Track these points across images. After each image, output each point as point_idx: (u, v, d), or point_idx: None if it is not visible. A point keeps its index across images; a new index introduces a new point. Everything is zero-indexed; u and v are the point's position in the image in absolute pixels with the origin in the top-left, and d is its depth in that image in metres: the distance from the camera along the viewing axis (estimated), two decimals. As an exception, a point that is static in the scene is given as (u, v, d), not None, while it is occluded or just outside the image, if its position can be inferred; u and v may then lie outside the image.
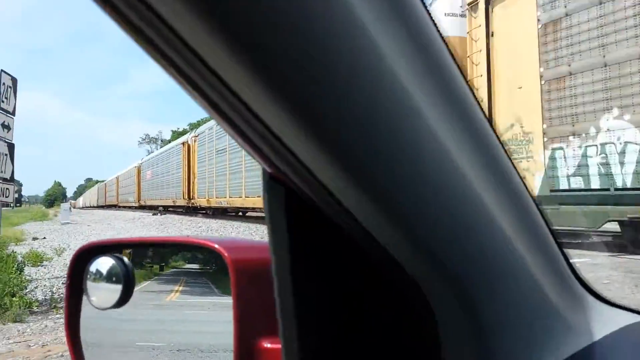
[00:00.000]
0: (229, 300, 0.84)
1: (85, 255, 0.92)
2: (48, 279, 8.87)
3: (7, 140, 7.17)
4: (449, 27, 10.37)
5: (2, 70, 7.02)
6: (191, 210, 26.72)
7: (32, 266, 10.04)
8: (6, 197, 7.16)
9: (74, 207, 75.49)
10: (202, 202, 23.97)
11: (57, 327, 5.72)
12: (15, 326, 5.85)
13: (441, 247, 0.46)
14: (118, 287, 0.85)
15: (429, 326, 0.50)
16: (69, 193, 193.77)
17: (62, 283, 8.26)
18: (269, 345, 0.68)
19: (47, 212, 56.90)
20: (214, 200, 21.99)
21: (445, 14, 10.80)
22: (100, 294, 0.87)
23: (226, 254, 0.73)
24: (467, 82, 0.47)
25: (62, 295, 7.31)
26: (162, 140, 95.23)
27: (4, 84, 7.06)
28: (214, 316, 0.88)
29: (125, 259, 0.88)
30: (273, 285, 0.48)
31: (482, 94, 9.31)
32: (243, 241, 0.85)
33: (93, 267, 0.88)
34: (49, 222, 33.25)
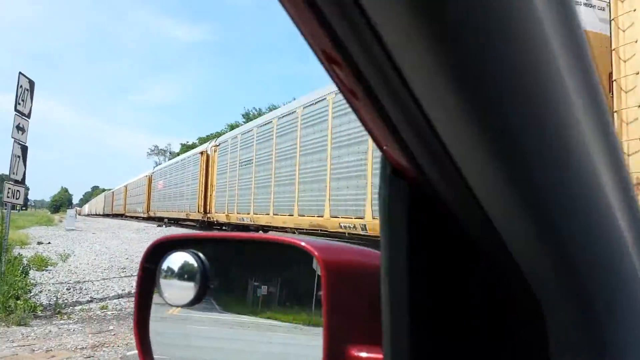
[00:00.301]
0: (228, 317, 0.87)
1: (160, 249, 0.89)
2: (52, 284, 8.82)
3: (21, 143, 7.18)
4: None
5: (20, 72, 7.06)
6: (206, 225, 24.81)
7: (36, 270, 10.00)
8: (17, 199, 7.14)
9: (79, 214, 75.49)
10: (220, 217, 22.30)
11: (61, 333, 5.66)
12: (19, 329, 5.79)
13: (572, 250, 0.44)
14: (191, 285, 0.83)
15: (537, 335, 0.48)
16: (75, 200, 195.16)
17: (67, 289, 8.20)
18: (361, 354, 0.64)
19: (53, 217, 57.09)
20: (234, 215, 20.31)
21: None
22: (173, 291, 0.85)
23: (317, 254, 0.69)
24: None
25: (66, 301, 7.27)
26: (170, 153, 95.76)
27: (21, 86, 7.08)
28: (214, 332, 0.88)
29: (202, 255, 0.85)
30: (365, 289, 0.48)
31: (637, 97, 7.19)
32: (330, 242, 0.83)
33: (167, 263, 0.86)
34: (54, 227, 33.27)
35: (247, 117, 61.21)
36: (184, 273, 0.84)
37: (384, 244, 0.46)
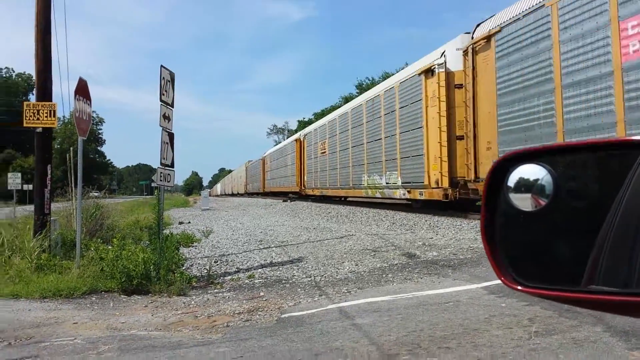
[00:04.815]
0: None
1: (507, 163, 0.91)
2: (200, 257, 9.57)
3: (167, 130, 7.81)
4: None
5: (161, 65, 7.64)
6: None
7: (184, 246, 10.88)
8: (168, 181, 7.80)
9: (210, 195, 78.23)
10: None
11: (217, 301, 6.19)
12: (180, 299, 6.39)
13: None
14: (538, 197, 0.84)
15: None
16: (204, 182, 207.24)
17: (215, 262, 8.86)
18: None
19: (187, 199, 61.05)
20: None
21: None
22: (523, 202, 0.87)
23: None
24: None
25: (215, 272, 7.86)
26: (288, 131, 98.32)
27: (163, 78, 7.67)
28: None
29: (549, 167, 0.85)
30: None
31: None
32: None
33: (514, 175, 0.88)
34: (190, 208, 35.65)
35: (360, 88, 60.89)
36: (528, 186, 0.85)
37: None
